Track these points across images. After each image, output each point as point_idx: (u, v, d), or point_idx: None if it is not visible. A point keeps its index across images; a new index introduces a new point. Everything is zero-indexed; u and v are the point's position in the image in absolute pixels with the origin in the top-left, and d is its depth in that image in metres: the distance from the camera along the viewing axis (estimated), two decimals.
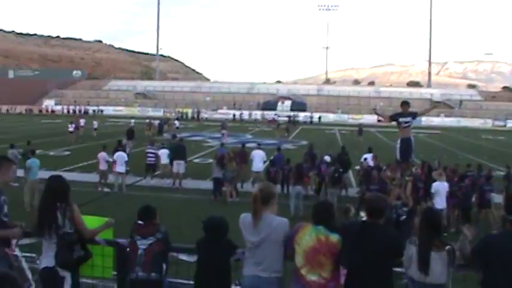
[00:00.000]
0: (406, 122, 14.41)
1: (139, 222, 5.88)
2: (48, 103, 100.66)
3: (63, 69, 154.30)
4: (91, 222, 6.22)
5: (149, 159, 22.97)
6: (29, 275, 6.45)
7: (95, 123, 47.47)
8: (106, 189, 20.56)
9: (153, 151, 23.21)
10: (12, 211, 6.23)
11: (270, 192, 5.52)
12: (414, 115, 14.78)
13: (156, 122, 50.29)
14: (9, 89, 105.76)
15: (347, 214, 8.06)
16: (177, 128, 52.68)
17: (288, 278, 5.40)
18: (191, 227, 12.16)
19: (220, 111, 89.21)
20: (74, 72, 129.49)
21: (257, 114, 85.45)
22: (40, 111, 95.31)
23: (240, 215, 5.65)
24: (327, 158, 20.68)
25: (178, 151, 22.80)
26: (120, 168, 20.56)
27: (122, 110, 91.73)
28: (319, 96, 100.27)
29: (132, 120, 55.51)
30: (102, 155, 21.09)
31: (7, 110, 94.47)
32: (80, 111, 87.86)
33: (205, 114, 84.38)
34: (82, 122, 47.40)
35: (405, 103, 14.78)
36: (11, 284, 2.75)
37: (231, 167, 19.69)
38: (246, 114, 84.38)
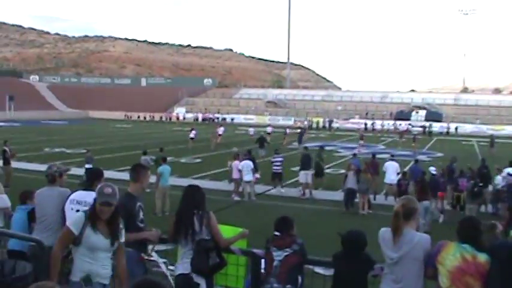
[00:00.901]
0: None
1: (276, 233, 5.81)
2: (180, 111, 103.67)
3: (194, 77, 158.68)
4: (225, 231, 6.26)
5: (275, 167, 22.91)
6: (171, 280, 6.55)
7: (221, 130, 48.32)
8: (236, 198, 20.82)
9: (278, 159, 23.12)
10: (144, 216, 6.39)
11: (412, 208, 5.26)
12: None
13: (287, 130, 50.54)
14: (142, 97, 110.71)
15: (492, 231, 7.46)
16: None
17: None
18: (322, 238, 12.00)
19: (352, 120, 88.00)
20: (205, 80, 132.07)
21: (390, 124, 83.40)
22: (170, 118, 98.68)
23: (372, 227, 5.49)
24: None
25: (304, 161, 22.58)
26: (247, 176, 20.69)
27: (253, 119, 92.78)
28: (456, 106, 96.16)
29: (251, 129, 55.64)
30: (236, 163, 21.29)
31: (144, 117, 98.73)
32: (210, 119, 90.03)
33: (336, 123, 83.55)
34: (220, 130, 48.33)
35: None
36: None
37: (364, 178, 19.30)
38: (378, 124, 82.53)
